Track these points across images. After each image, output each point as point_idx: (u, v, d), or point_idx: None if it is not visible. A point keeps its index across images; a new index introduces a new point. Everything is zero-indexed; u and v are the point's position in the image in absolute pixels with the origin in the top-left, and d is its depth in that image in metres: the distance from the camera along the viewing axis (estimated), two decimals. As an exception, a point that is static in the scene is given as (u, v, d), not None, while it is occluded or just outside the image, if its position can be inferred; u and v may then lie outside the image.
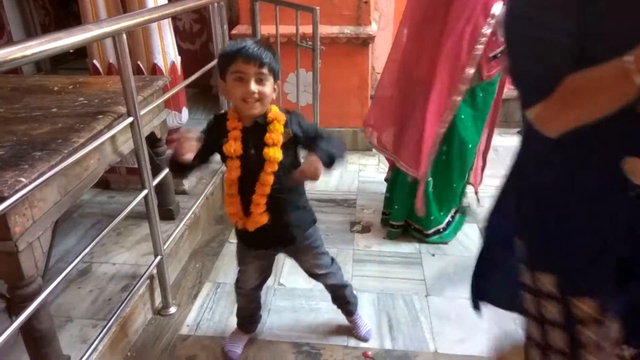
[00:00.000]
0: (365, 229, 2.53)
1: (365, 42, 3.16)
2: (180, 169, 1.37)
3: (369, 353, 1.75)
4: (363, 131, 2.53)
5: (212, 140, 1.39)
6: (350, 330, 1.84)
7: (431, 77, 2.10)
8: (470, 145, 2.30)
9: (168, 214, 2.26)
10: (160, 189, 2.18)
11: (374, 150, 3.48)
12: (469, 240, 2.44)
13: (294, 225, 1.51)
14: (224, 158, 1.39)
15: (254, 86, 1.28)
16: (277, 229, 1.48)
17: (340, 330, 1.86)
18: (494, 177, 2.89)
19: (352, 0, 3.14)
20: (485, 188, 2.60)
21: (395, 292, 2.05)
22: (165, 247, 1.89)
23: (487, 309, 1.94)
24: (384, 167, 3.28)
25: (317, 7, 2.62)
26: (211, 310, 1.98)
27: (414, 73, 2.21)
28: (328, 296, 1.99)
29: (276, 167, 1.36)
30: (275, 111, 1.37)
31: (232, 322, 1.90)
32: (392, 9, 3.78)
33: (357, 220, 2.61)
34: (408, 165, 2.26)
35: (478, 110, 2.26)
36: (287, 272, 2.19)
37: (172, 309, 1.95)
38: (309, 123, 1.46)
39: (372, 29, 3.18)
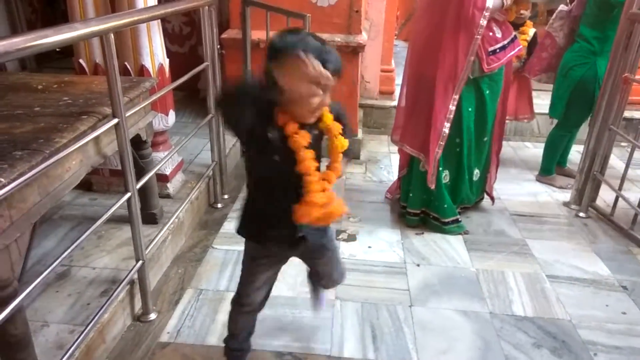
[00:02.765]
0: (351, 238, 2.52)
1: (355, 50, 3.17)
2: None
3: (352, 363, 1.74)
4: (395, 143, 2.71)
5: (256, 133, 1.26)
6: (311, 301, 1.86)
7: (436, 70, 2.33)
8: (485, 139, 2.56)
9: (151, 218, 2.22)
10: (144, 192, 2.14)
11: (361, 158, 3.51)
12: (453, 251, 2.45)
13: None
14: (271, 157, 1.27)
15: None
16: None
17: (324, 340, 1.84)
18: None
19: (344, 8, 3.15)
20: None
21: (379, 302, 2.04)
22: (147, 252, 1.86)
23: (470, 320, 1.95)
24: (371, 175, 3.29)
25: (309, 14, 2.63)
26: (192, 317, 1.94)
27: (426, 73, 2.40)
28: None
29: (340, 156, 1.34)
30: None
31: (214, 329, 1.87)
32: (382, 19, 3.81)
33: (343, 229, 2.59)
34: (421, 153, 2.50)
35: (485, 105, 2.45)
36: (271, 279, 2.17)
37: (152, 315, 1.91)
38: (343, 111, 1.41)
39: (363, 38, 3.20)
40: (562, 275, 2.28)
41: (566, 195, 3.05)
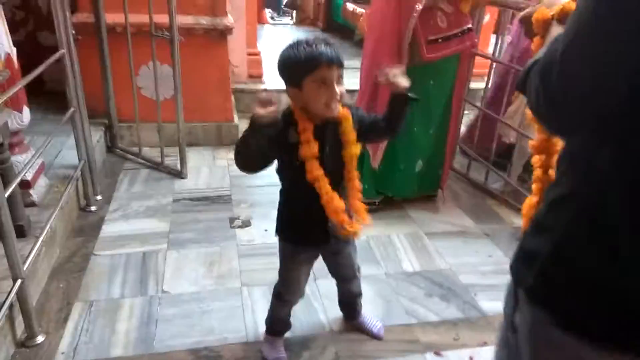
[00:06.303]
0: (246, 223, 2.50)
1: (222, 33, 3.09)
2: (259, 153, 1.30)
3: (271, 345, 1.75)
4: None
5: (278, 141, 1.31)
6: (359, 330, 1.87)
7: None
8: (415, 129, 2.48)
9: (19, 231, 1.92)
10: (7, 202, 1.85)
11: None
12: (343, 223, 2.58)
13: None
14: (293, 161, 1.33)
15: (337, 89, 1.26)
16: None
17: (238, 328, 1.82)
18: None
19: (205, -10, 3.03)
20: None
21: (285, 282, 2.08)
22: (25, 269, 1.63)
23: (370, 284, 2.10)
24: (252, 160, 3.27)
25: (171, -5, 2.49)
26: (88, 332, 1.76)
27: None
28: (219, 295, 1.95)
29: (356, 163, 1.38)
30: (343, 108, 1.34)
31: (116, 340, 1.73)
32: (244, 1, 3.75)
33: (236, 216, 2.56)
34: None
35: (429, 96, 2.41)
36: (169, 277, 2.07)
37: (40, 338, 1.69)
38: (363, 112, 1.46)
39: (229, 20, 3.12)
40: (437, 231, 2.57)
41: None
